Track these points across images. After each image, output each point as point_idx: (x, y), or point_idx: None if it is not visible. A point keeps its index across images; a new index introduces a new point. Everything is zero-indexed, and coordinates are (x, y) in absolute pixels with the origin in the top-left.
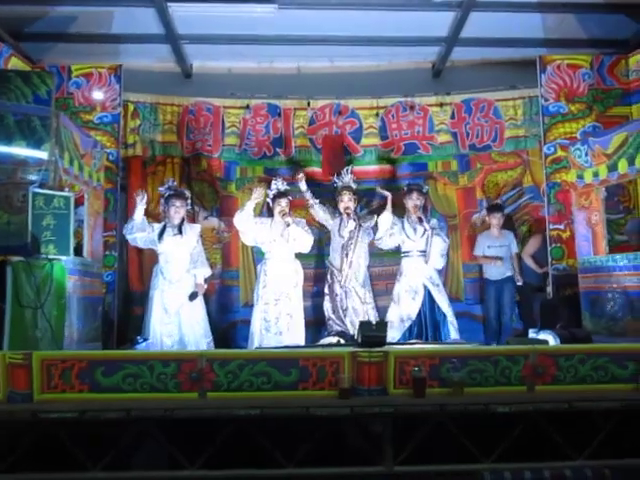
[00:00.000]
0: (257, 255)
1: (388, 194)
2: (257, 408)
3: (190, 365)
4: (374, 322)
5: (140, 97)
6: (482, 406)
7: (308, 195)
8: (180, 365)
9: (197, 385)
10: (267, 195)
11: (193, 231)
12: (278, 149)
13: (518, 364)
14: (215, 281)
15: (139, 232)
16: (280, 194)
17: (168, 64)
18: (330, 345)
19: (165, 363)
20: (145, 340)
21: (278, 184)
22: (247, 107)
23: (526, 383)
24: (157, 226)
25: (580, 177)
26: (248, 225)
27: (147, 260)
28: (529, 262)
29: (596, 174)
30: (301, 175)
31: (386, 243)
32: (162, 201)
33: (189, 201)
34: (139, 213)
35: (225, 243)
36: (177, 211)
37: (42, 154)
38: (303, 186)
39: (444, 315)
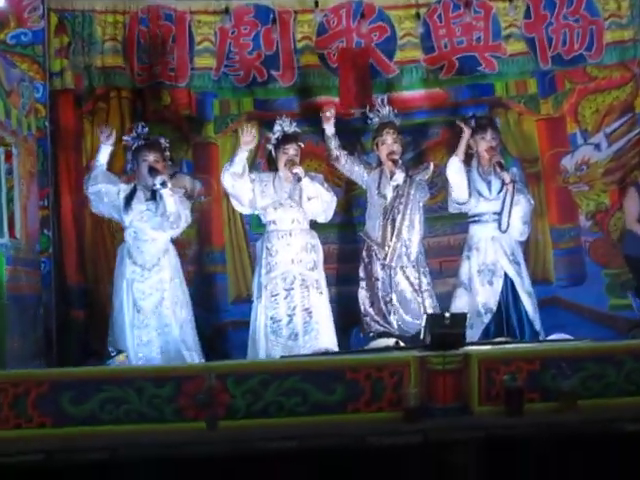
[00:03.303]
0: (250, 228)
1: (467, 129)
2: (292, 439)
3: (194, 384)
4: (447, 314)
5: (67, 3)
6: (603, 424)
7: (334, 143)
8: (180, 385)
9: (205, 411)
10: (267, 140)
11: (175, 195)
12: (274, 71)
13: None
14: (190, 268)
15: (106, 184)
16: (286, 138)
17: None
18: (387, 349)
19: (158, 383)
20: (120, 352)
21: (284, 124)
22: (226, 12)
23: None
24: (124, 188)
25: None
26: (242, 184)
27: (89, 241)
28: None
29: None
30: (330, 112)
31: (468, 206)
32: (128, 155)
33: (167, 153)
34: (104, 155)
35: (202, 212)
36: (151, 168)
37: None
38: (330, 129)
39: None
